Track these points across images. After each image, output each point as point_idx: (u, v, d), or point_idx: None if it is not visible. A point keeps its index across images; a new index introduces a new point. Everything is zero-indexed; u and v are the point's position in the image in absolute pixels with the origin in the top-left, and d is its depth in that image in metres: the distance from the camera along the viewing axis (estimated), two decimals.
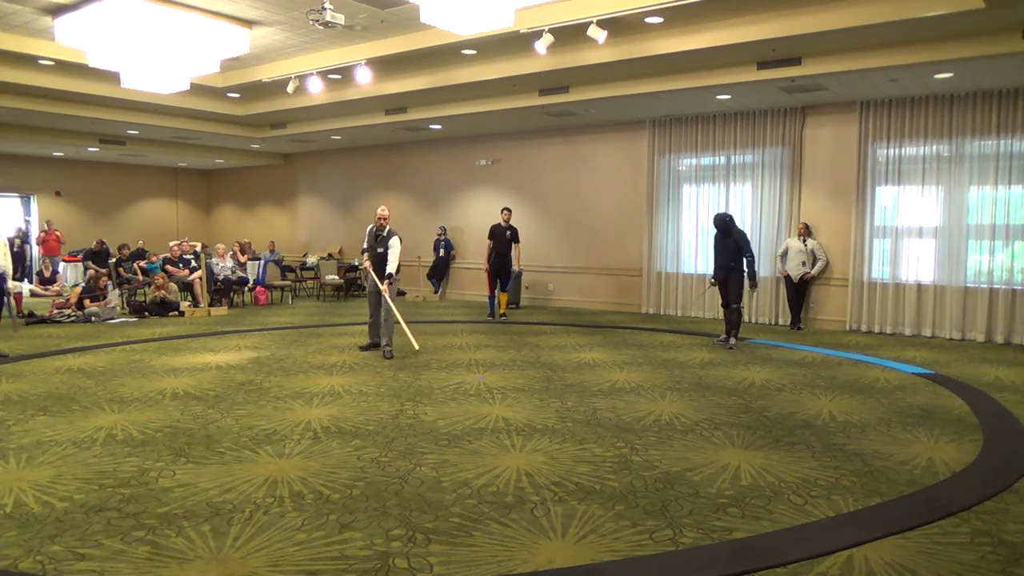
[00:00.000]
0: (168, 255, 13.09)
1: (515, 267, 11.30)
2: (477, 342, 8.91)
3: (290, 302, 13.88)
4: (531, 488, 3.90)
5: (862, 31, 7.43)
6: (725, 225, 8.61)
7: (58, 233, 15.70)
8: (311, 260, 15.62)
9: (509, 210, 11.42)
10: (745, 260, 8.47)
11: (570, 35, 8.23)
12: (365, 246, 8.33)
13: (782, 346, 8.81)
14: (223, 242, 14.84)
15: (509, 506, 3.65)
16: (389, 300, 7.89)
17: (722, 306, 8.89)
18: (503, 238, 11.09)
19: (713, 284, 8.83)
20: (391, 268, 7.91)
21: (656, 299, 11.99)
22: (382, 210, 8.26)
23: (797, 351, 8.46)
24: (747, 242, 8.55)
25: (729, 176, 11.24)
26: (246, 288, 13.33)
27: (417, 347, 7.99)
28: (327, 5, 7.52)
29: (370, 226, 8.33)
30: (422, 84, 10.49)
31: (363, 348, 8.33)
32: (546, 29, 7.97)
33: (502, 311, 11.31)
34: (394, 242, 7.98)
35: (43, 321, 10.43)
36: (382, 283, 7.95)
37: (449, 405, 5.74)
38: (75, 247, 16.40)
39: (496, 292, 11.22)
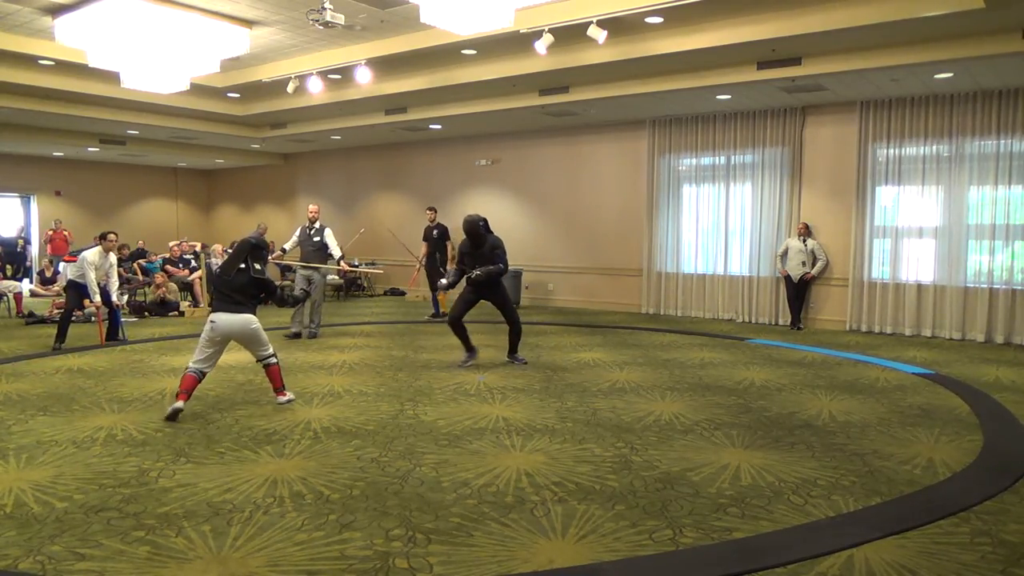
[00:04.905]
0: (168, 255, 13.10)
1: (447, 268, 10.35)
2: (476, 342, 8.87)
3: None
4: (531, 488, 3.90)
5: (862, 31, 7.42)
6: (476, 231, 7.12)
7: (66, 233, 15.66)
8: None
9: (433, 209, 11.29)
10: (496, 267, 7.14)
11: (570, 35, 8.23)
12: (296, 240, 9.27)
13: (782, 346, 8.81)
14: (223, 242, 14.84)
15: (509, 506, 3.65)
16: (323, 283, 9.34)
17: (452, 322, 7.31)
18: (431, 238, 10.96)
19: (444, 288, 7.46)
20: (338, 252, 9.20)
21: (656, 299, 11.99)
22: (313, 207, 9.44)
23: (797, 351, 8.46)
24: (503, 252, 7.23)
25: (729, 176, 11.24)
26: None
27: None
28: (327, 5, 7.52)
29: (300, 226, 9.36)
30: (422, 84, 10.49)
31: (289, 337, 9.05)
32: (546, 29, 7.96)
33: (444, 309, 11.07)
34: (328, 231, 9.27)
35: (43, 321, 10.42)
36: (337, 266, 9.24)
37: (449, 405, 5.74)
38: (75, 247, 16.38)
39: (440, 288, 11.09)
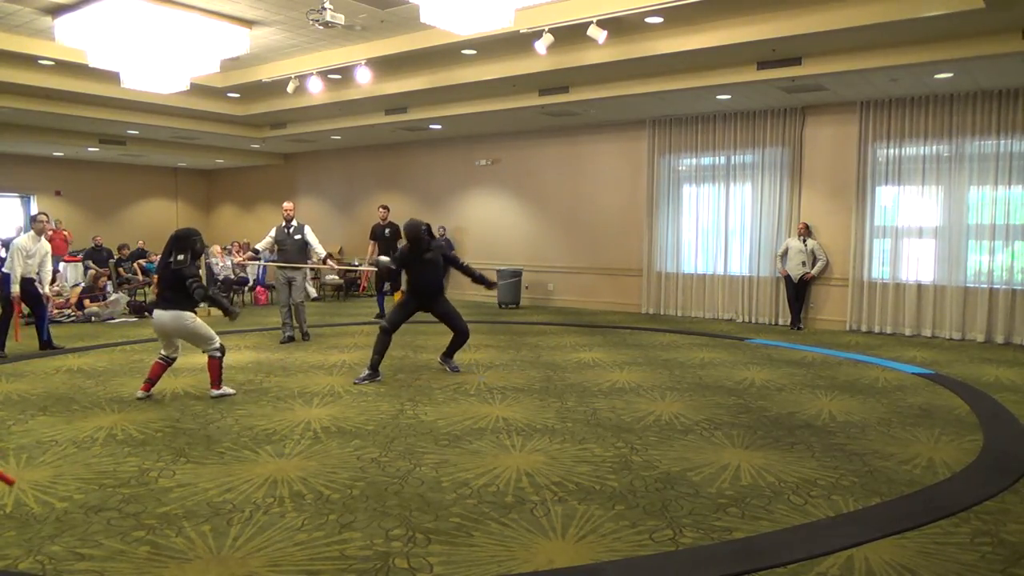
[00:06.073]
0: None
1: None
2: (477, 342, 8.89)
3: None
4: (531, 488, 3.90)
5: (862, 31, 7.42)
6: (418, 236, 6.64)
7: (66, 233, 15.66)
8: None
9: (386, 207, 11.11)
10: (463, 270, 7.06)
11: (570, 35, 8.23)
12: (271, 240, 8.81)
13: (782, 346, 8.81)
14: (222, 242, 14.83)
15: (509, 506, 3.65)
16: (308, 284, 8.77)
17: (387, 331, 6.63)
18: (383, 237, 10.82)
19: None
20: (323, 250, 8.88)
21: (656, 299, 11.99)
22: (287, 205, 8.95)
23: (797, 351, 8.46)
24: (452, 255, 7.01)
25: (729, 176, 11.24)
26: (246, 288, 13.33)
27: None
28: (327, 5, 7.52)
29: (275, 225, 8.90)
30: (422, 84, 10.49)
31: (284, 342, 8.71)
32: (546, 29, 7.97)
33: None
34: (308, 229, 8.83)
35: None
36: (324, 265, 8.89)
37: (449, 405, 5.74)
38: (75, 247, 16.38)
39: (385, 292, 10.94)
